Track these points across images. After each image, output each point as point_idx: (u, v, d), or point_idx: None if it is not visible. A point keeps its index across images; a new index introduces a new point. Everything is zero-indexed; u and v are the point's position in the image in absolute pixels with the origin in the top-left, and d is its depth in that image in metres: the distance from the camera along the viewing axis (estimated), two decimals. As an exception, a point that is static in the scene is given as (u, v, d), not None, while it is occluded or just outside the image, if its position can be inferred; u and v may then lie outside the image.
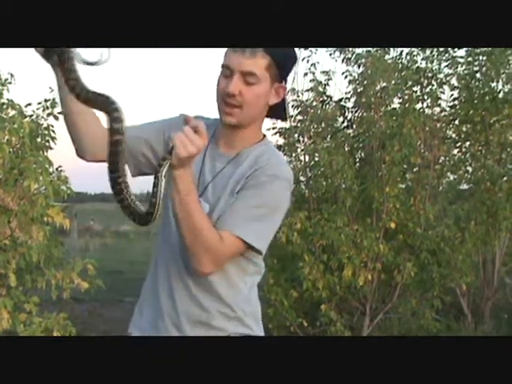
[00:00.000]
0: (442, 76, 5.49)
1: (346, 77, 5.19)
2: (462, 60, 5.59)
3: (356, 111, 5.39)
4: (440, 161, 5.49)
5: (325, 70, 5.21)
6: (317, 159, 5.02)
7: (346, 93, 5.37)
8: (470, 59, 5.60)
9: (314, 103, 5.14)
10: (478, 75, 5.61)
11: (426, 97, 5.39)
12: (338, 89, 6.31)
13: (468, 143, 5.84)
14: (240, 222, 1.59)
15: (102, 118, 1.51)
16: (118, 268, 10.39)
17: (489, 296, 5.92)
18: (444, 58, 5.54)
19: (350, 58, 5.15)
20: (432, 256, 4.91)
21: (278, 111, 1.74)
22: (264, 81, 1.63)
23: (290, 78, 1.71)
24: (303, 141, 5.24)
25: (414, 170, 5.24)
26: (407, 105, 5.07)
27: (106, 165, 1.49)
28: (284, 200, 1.68)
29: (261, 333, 1.75)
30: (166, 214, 1.70)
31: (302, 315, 4.92)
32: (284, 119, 1.86)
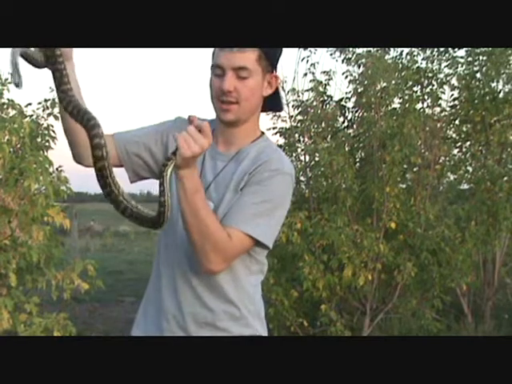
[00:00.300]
0: (442, 76, 5.50)
1: (346, 77, 5.20)
2: (462, 60, 5.59)
3: (356, 111, 5.39)
4: (440, 161, 5.49)
5: (325, 70, 5.22)
6: (317, 159, 5.02)
7: (346, 93, 5.39)
8: (470, 59, 5.59)
9: (315, 103, 5.14)
10: (478, 75, 5.61)
11: (426, 97, 5.40)
12: (339, 89, 6.32)
13: (468, 143, 5.84)
14: (247, 219, 1.59)
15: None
16: (118, 268, 10.40)
17: (489, 296, 5.92)
18: (444, 57, 5.54)
19: (351, 58, 5.15)
20: (432, 256, 4.91)
21: (273, 102, 1.75)
22: (256, 74, 1.64)
23: (279, 67, 1.72)
24: (303, 141, 5.25)
25: (415, 169, 5.24)
26: (407, 105, 5.07)
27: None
28: (288, 194, 1.69)
29: (264, 332, 1.76)
30: None
31: (302, 315, 4.92)
32: (280, 109, 1.87)
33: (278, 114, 5.06)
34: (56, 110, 4.26)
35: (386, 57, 5.17)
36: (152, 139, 1.74)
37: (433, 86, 5.41)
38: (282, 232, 4.54)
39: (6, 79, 3.94)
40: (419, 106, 5.31)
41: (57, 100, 4.22)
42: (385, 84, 4.93)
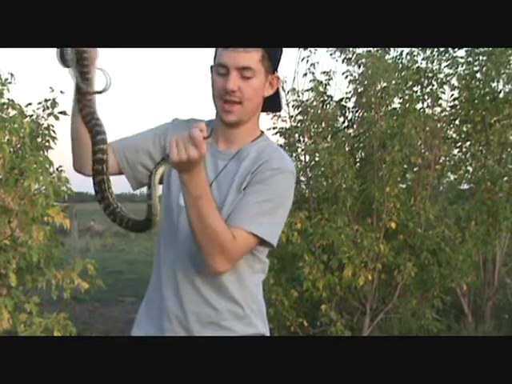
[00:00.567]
0: (442, 76, 5.49)
1: (346, 77, 5.20)
2: (462, 60, 5.59)
3: (356, 111, 5.39)
4: (440, 161, 5.48)
5: (325, 70, 5.22)
6: (317, 159, 5.02)
7: (346, 93, 5.39)
8: (470, 59, 5.59)
9: (315, 103, 5.14)
10: (478, 75, 5.61)
11: (426, 97, 5.39)
12: (339, 89, 6.29)
13: (468, 143, 5.84)
14: (250, 218, 1.60)
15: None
16: (118, 268, 10.40)
17: (489, 296, 5.91)
18: (444, 57, 5.54)
19: (351, 58, 5.15)
20: (432, 256, 4.90)
21: (273, 103, 1.75)
22: (259, 74, 1.64)
23: (279, 68, 1.72)
24: (304, 141, 5.25)
25: (415, 169, 5.24)
26: (408, 105, 5.07)
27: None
28: (290, 192, 1.70)
29: (267, 331, 1.76)
30: (167, 215, 1.70)
31: (302, 315, 4.92)
32: (279, 110, 1.87)
33: (277, 114, 5.06)
34: (56, 110, 4.26)
35: (386, 57, 5.17)
36: (150, 142, 1.74)
37: (433, 86, 5.40)
38: (282, 232, 4.52)
39: (6, 79, 3.94)
40: (419, 106, 5.31)
41: (57, 100, 4.24)
42: (385, 84, 4.93)
